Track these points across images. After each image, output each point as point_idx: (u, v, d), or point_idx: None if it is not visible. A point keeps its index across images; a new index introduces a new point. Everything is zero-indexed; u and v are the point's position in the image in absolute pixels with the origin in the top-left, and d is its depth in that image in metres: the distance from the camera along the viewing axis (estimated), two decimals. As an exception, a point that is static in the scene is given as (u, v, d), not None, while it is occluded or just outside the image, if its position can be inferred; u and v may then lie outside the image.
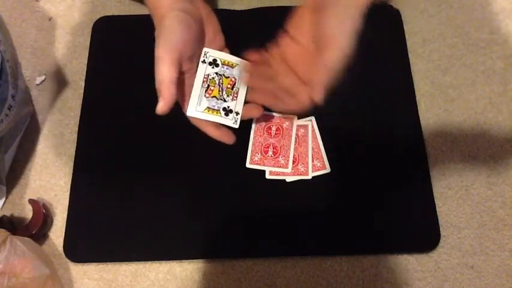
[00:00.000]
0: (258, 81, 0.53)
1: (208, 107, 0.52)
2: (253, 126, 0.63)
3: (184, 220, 0.59)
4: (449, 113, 0.65)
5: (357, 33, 0.47)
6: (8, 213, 0.61)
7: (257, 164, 0.61)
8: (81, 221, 0.60)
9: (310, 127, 0.63)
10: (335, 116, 0.63)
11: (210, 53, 0.53)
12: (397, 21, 0.70)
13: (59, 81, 0.69)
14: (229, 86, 0.53)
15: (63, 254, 0.59)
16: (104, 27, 0.71)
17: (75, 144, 0.64)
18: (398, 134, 0.63)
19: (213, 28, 0.53)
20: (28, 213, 0.61)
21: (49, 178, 0.63)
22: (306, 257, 0.59)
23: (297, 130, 0.63)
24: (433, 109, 0.65)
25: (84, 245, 0.59)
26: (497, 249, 0.59)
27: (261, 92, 0.54)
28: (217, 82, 0.53)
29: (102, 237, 0.59)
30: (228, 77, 0.54)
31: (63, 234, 0.59)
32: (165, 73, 0.46)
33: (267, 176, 0.61)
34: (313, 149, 0.62)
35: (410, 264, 0.58)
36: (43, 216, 0.59)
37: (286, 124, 0.63)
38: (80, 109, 0.66)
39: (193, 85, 0.52)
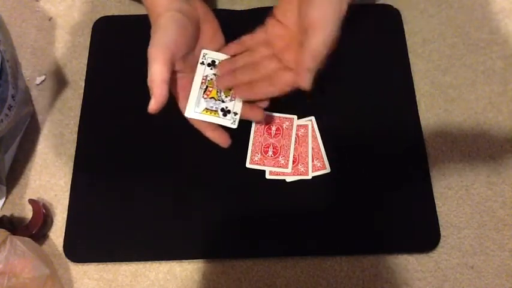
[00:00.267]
0: (231, 78, 0.53)
1: (206, 108, 0.52)
2: (253, 126, 0.63)
3: (184, 220, 0.59)
4: (449, 113, 0.65)
5: (343, 19, 0.47)
6: (8, 213, 0.61)
7: (257, 164, 0.61)
8: (81, 221, 0.60)
9: (310, 127, 0.63)
10: (335, 116, 0.63)
11: (209, 54, 0.53)
12: (397, 21, 0.70)
13: (59, 81, 0.69)
14: None
15: (63, 254, 0.59)
16: (104, 27, 0.71)
17: (75, 144, 0.64)
18: (398, 134, 0.63)
19: (211, 28, 0.53)
20: (28, 213, 0.61)
21: (49, 178, 0.63)
22: (306, 257, 0.59)
23: (297, 130, 0.63)
24: (433, 109, 0.65)
25: (84, 245, 0.59)
26: (497, 249, 0.59)
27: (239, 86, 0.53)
28: (215, 83, 0.53)
29: (102, 237, 0.59)
30: None
31: (63, 234, 0.59)
32: (156, 72, 0.46)
33: (267, 176, 0.61)
34: (313, 149, 0.62)
35: (410, 264, 0.58)
36: (43, 216, 0.59)
37: (286, 124, 0.63)
38: (80, 109, 0.66)
39: (186, 86, 0.52)
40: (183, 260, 0.59)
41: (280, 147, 0.62)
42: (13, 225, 0.59)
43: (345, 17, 0.48)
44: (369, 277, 0.58)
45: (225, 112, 0.52)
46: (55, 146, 0.65)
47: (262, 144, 0.62)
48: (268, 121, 0.63)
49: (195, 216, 0.59)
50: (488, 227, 0.60)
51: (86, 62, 0.68)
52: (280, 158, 0.61)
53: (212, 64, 0.53)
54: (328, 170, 0.61)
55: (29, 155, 0.65)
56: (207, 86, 0.53)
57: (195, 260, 0.59)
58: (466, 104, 0.66)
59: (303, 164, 0.61)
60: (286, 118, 0.63)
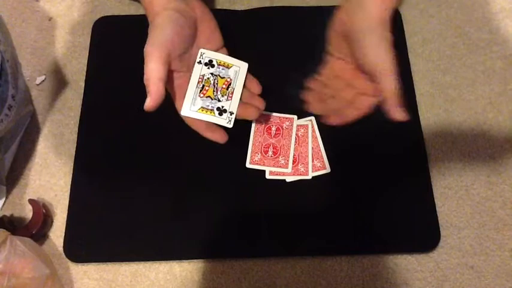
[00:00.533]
0: (324, 106, 0.57)
1: (202, 107, 0.52)
2: (253, 126, 0.63)
3: (184, 220, 0.59)
4: (449, 113, 0.65)
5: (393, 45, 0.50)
6: (8, 213, 0.61)
7: (257, 164, 0.61)
8: (81, 221, 0.60)
9: (310, 127, 0.63)
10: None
11: (206, 53, 0.53)
12: (397, 21, 0.70)
13: (59, 81, 0.69)
14: (224, 86, 0.53)
15: (63, 254, 0.59)
16: (104, 27, 0.71)
17: (75, 144, 0.64)
18: (398, 134, 0.63)
19: (209, 27, 0.53)
20: (28, 213, 0.61)
21: (49, 178, 0.63)
22: (306, 257, 0.59)
23: (297, 130, 0.63)
24: (433, 109, 0.65)
25: (84, 245, 0.59)
26: (497, 249, 0.59)
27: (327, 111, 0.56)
28: (212, 82, 0.53)
29: (102, 237, 0.59)
30: (224, 78, 0.54)
31: (63, 234, 0.59)
32: (153, 70, 0.46)
33: (267, 176, 0.61)
34: (313, 149, 0.62)
35: (410, 264, 0.58)
36: (43, 216, 0.59)
37: (286, 124, 0.63)
38: (80, 109, 0.66)
39: (182, 85, 0.52)
40: (183, 260, 0.59)
41: (280, 147, 0.62)
42: (13, 225, 0.59)
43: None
44: (368, 277, 0.58)
45: (221, 111, 0.52)
46: (55, 146, 0.65)
47: (262, 144, 0.62)
48: (268, 121, 0.63)
49: (195, 216, 0.59)
50: (488, 227, 0.60)
51: (86, 62, 0.68)
52: (280, 158, 0.61)
53: (209, 63, 0.53)
54: (328, 170, 0.61)
55: (29, 155, 0.65)
56: (203, 85, 0.53)
57: (194, 260, 0.59)
58: (466, 104, 0.66)
59: (303, 164, 0.61)
60: (286, 118, 0.63)
